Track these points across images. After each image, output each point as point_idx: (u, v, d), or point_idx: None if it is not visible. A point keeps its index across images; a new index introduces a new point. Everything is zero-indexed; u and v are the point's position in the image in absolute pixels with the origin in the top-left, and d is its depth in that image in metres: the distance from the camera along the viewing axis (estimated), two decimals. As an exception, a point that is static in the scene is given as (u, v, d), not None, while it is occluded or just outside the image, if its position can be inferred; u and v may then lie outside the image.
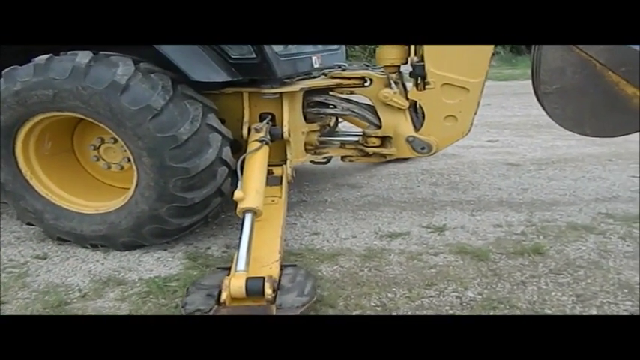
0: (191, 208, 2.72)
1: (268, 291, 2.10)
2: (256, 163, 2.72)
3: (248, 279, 2.12)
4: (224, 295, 2.10)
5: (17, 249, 3.01)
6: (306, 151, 3.42)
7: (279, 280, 2.26)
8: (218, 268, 2.46)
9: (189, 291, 2.27)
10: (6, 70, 2.62)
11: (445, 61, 2.90)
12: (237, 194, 2.46)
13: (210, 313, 2.08)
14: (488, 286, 2.41)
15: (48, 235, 3.04)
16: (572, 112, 2.85)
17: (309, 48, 3.40)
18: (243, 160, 2.69)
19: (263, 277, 2.13)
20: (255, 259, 2.30)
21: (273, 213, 2.75)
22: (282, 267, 2.38)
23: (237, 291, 2.10)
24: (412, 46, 3.06)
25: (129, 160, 2.77)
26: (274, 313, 2.06)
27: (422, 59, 2.96)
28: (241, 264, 2.21)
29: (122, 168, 3.01)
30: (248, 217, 2.40)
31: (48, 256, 2.91)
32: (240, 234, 2.35)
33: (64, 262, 2.83)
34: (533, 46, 2.87)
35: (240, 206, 2.44)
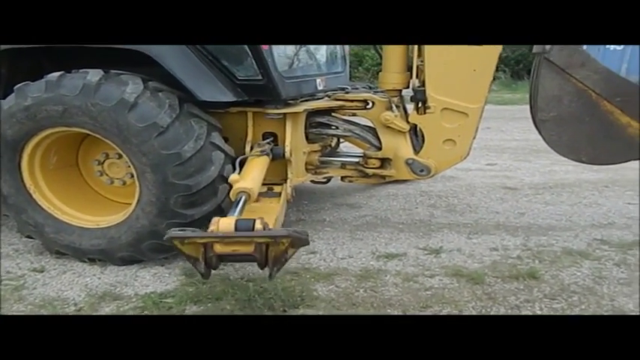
0: (191, 225, 2.74)
1: (259, 227, 2.06)
2: (257, 164, 2.80)
3: (238, 219, 2.09)
4: (212, 228, 2.07)
5: (15, 261, 3.03)
6: (307, 170, 3.46)
7: None
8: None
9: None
10: (18, 85, 2.68)
11: (445, 86, 2.96)
12: (234, 177, 2.49)
13: (197, 234, 2.04)
14: (483, 310, 2.43)
15: (47, 248, 3.07)
16: (569, 139, 2.90)
17: (314, 70, 3.48)
18: (244, 159, 2.77)
19: (254, 219, 2.09)
20: None
21: (270, 209, 2.78)
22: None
23: (226, 227, 2.06)
24: (414, 71, 3.14)
25: (132, 176, 2.81)
26: (261, 229, 2.03)
27: (423, 84, 3.02)
28: (233, 213, 2.19)
29: (124, 183, 3.05)
30: (242, 199, 2.40)
31: (45, 269, 2.93)
32: (232, 209, 2.32)
33: (61, 276, 2.85)
34: (531, 74, 2.95)
35: (236, 186, 2.45)
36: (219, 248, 2.07)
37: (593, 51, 13.05)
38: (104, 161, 3.05)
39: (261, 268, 2.17)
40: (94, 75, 2.57)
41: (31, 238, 3.06)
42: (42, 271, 2.91)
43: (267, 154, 2.93)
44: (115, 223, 2.85)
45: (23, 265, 2.99)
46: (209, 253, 2.07)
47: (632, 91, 2.73)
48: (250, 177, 2.61)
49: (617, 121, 2.77)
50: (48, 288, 2.72)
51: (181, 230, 2.07)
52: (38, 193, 2.91)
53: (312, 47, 3.54)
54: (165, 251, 2.87)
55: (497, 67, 2.94)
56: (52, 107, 2.59)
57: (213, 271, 2.69)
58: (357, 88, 3.55)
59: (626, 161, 2.95)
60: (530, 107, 2.97)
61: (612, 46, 13.25)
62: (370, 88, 3.58)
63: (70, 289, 2.71)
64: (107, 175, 3.09)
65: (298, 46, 3.33)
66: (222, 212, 2.84)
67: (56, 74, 2.62)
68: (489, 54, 2.82)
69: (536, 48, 2.83)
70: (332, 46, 3.86)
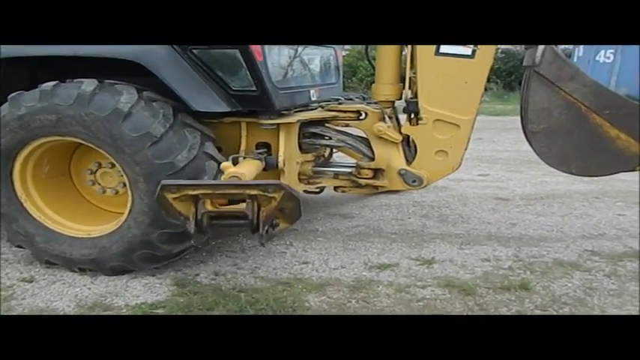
0: (183, 234, 2.74)
1: (249, 207, 2.13)
2: (251, 162, 2.86)
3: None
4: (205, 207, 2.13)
5: (4, 271, 3.00)
6: (300, 180, 3.47)
7: None
8: None
9: None
10: (12, 95, 2.69)
11: (437, 98, 2.99)
12: (226, 164, 2.54)
13: (189, 182, 2.10)
14: (476, 321, 2.43)
15: (36, 258, 3.04)
16: (559, 151, 2.94)
17: (307, 81, 3.50)
18: (236, 157, 2.81)
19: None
20: None
21: None
22: None
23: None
24: (406, 83, 3.17)
25: (124, 185, 2.81)
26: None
27: (415, 96, 3.05)
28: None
29: (117, 192, 3.04)
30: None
31: (34, 279, 2.90)
32: None
33: (51, 286, 2.82)
34: (521, 86, 2.99)
35: (228, 170, 2.49)
36: (210, 206, 2.07)
37: (582, 63, 13.27)
38: (97, 170, 3.05)
39: (253, 232, 2.16)
40: (88, 85, 2.57)
41: (21, 247, 3.04)
42: (31, 281, 2.88)
43: (260, 160, 2.96)
44: (107, 232, 2.83)
45: (12, 275, 2.96)
46: (200, 210, 2.06)
47: (620, 104, 2.78)
48: (244, 167, 2.68)
49: (606, 134, 2.81)
50: (37, 298, 2.69)
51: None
52: (29, 202, 2.90)
53: (306, 58, 3.57)
54: (157, 261, 2.86)
55: (489, 79, 2.98)
56: (45, 116, 2.59)
57: (205, 283, 2.68)
58: (350, 99, 3.58)
59: (616, 173, 2.99)
60: (521, 119, 3.01)
61: (602, 59, 13.47)
62: (364, 98, 3.61)
63: (60, 299, 2.68)
64: (99, 184, 3.08)
65: (292, 57, 3.35)
66: (214, 222, 2.85)
67: (50, 84, 2.62)
68: (480, 66, 2.86)
69: (526, 61, 2.88)
70: (326, 57, 3.89)
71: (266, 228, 2.13)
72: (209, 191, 2.07)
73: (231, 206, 2.13)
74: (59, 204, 3.00)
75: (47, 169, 2.97)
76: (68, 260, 2.90)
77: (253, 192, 2.05)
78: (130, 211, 2.72)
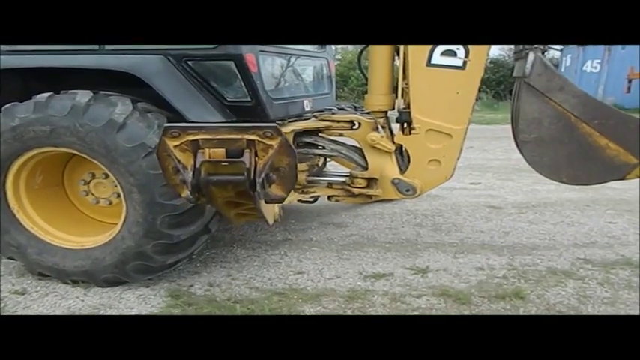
0: (177, 245, 2.74)
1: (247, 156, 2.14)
2: None
3: (228, 149, 2.18)
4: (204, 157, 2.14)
5: (-4, 284, 2.97)
6: (294, 190, 3.47)
7: None
8: None
9: None
10: (6, 106, 2.68)
11: (430, 108, 3.02)
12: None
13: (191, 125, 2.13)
14: (471, 330, 2.44)
15: (29, 269, 3.01)
16: (550, 160, 2.98)
17: (301, 92, 3.53)
18: None
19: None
20: None
21: None
22: None
23: (216, 154, 2.16)
24: (399, 93, 3.20)
25: (118, 196, 2.80)
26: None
27: (408, 106, 3.08)
28: None
29: (111, 203, 3.03)
30: None
31: (27, 291, 2.88)
32: None
33: (43, 298, 2.79)
34: (512, 97, 3.03)
35: None
36: (208, 156, 2.13)
37: (569, 73, 13.47)
38: (90, 181, 3.03)
39: (250, 186, 2.16)
40: (83, 96, 2.57)
41: (13, 259, 3.01)
42: (23, 294, 2.85)
43: None
44: (100, 243, 2.82)
45: (4, 287, 2.92)
46: (199, 159, 2.12)
47: (608, 114, 2.83)
48: None
49: (596, 143, 2.85)
50: (29, 311, 2.66)
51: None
52: (22, 213, 2.88)
53: (299, 68, 3.60)
54: (151, 272, 2.84)
55: (479, 88, 3.02)
56: (39, 128, 2.58)
57: (200, 294, 2.65)
58: (343, 109, 3.60)
59: (606, 182, 3.03)
60: (512, 129, 3.05)
61: (589, 69, 13.71)
62: (356, 108, 3.63)
63: (53, 311, 2.65)
64: (93, 194, 3.06)
65: (286, 68, 3.38)
66: (208, 232, 2.85)
67: (45, 95, 2.63)
68: (471, 77, 2.90)
69: (516, 72, 2.93)
70: (318, 67, 3.92)
71: (262, 178, 2.16)
72: (209, 136, 2.11)
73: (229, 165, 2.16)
74: (52, 215, 2.98)
75: (40, 179, 2.96)
76: (61, 272, 2.88)
77: (251, 137, 2.11)
78: (124, 222, 2.71)
